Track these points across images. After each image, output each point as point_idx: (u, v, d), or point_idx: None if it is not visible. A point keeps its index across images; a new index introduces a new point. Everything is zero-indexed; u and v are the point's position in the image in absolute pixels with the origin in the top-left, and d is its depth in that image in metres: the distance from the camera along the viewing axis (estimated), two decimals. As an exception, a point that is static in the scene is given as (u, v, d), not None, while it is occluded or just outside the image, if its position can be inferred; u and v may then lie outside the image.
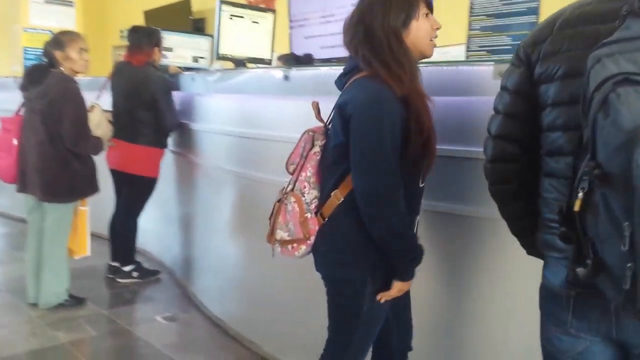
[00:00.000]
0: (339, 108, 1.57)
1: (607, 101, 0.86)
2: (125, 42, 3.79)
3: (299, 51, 4.56)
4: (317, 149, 1.66)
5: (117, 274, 3.83)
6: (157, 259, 4.27)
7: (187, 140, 3.65)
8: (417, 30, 1.56)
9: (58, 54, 3.15)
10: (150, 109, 3.58)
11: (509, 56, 1.30)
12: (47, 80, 3.14)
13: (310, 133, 1.69)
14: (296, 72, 2.55)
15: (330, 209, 1.60)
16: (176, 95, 3.69)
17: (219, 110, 3.27)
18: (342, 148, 1.57)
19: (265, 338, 2.84)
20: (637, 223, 0.82)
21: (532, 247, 1.27)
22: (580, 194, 0.92)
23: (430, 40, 1.60)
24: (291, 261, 2.59)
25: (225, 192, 3.16)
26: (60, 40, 3.19)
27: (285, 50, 4.74)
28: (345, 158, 1.56)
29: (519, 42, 1.26)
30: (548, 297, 1.20)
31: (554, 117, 1.13)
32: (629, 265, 0.84)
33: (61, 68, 3.16)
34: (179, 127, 3.66)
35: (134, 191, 3.77)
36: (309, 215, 1.61)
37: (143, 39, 3.68)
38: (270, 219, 1.70)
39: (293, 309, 2.64)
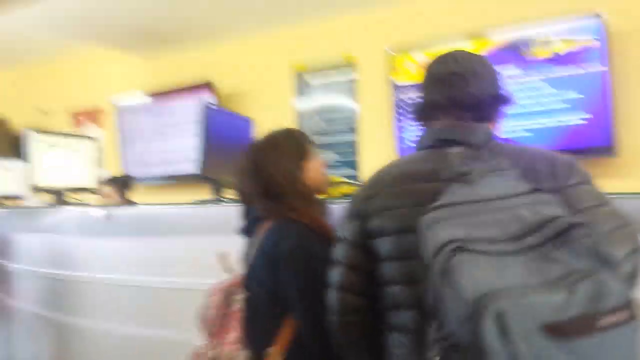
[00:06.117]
0: (267, 259, 1.45)
1: (447, 272, 0.88)
2: None
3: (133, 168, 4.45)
4: (238, 304, 1.52)
5: None
6: None
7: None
8: (309, 170, 1.53)
9: None
10: None
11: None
12: None
13: (229, 288, 1.54)
14: (118, 212, 2.41)
15: None
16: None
17: (31, 250, 2.93)
18: (271, 301, 1.45)
19: None
20: None
21: None
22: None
23: (322, 175, 1.59)
24: None
25: (41, 339, 2.78)
26: None
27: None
28: (275, 310, 1.44)
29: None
30: None
31: (392, 271, 1.13)
32: None
33: None
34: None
35: None
36: None
37: None
38: None
39: None
